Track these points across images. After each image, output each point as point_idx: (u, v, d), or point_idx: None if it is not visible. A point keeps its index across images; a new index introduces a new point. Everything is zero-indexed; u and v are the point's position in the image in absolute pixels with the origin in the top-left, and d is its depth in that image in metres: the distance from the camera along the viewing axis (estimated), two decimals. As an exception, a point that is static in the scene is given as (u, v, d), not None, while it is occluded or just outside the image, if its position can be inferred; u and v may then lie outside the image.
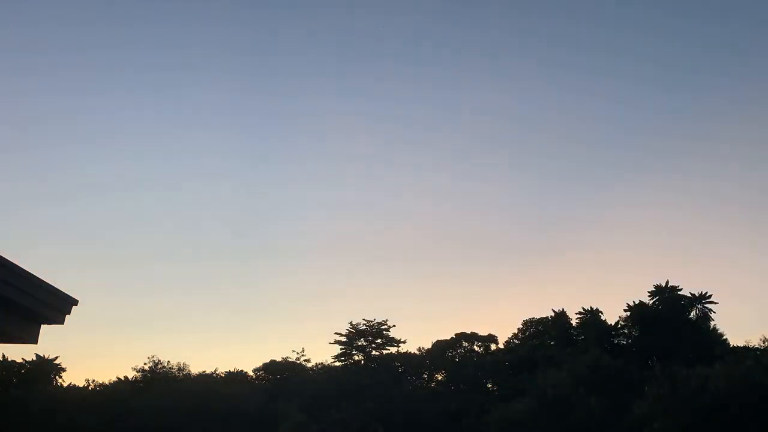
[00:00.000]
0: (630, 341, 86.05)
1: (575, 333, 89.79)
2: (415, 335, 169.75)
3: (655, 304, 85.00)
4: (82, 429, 52.69)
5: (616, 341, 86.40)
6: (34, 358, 74.81)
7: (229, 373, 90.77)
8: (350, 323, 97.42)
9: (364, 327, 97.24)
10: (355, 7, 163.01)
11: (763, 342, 70.23)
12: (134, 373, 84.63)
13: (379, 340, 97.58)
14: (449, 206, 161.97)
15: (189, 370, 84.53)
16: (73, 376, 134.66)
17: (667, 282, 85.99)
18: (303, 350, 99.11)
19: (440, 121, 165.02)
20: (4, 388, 61.11)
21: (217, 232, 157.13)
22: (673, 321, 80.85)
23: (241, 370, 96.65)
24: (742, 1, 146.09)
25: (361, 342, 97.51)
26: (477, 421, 63.17)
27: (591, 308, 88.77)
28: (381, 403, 63.74)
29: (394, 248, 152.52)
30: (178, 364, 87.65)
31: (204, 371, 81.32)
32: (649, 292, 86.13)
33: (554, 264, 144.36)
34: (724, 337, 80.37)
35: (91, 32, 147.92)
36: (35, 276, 6.64)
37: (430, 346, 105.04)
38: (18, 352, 75.39)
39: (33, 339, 7.23)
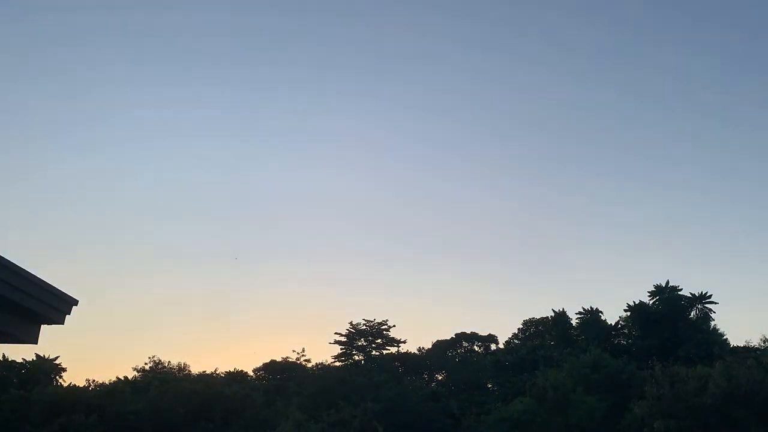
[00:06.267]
0: (630, 341, 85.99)
1: (575, 333, 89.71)
2: (415, 335, 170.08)
3: (655, 304, 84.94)
4: (82, 429, 52.60)
5: (616, 341, 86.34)
6: (34, 358, 74.77)
7: (229, 373, 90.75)
8: (350, 323, 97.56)
9: (364, 327, 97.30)
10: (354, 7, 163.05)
11: (763, 342, 70.31)
12: (134, 373, 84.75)
13: (379, 340, 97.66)
14: (449, 206, 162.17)
15: (189, 370, 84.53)
16: (73, 376, 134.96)
17: (667, 282, 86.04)
18: (303, 350, 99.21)
19: (440, 121, 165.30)
20: (4, 388, 60.96)
21: (218, 232, 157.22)
22: (673, 321, 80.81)
23: (241, 370, 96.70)
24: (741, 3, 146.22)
25: (361, 342, 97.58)
26: (477, 421, 63.13)
27: (591, 308, 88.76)
28: (381, 403, 63.65)
29: (394, 248, 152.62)
30: (179, 364, 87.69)
31: (204, 371, 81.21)
32: (649, 292, 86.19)
33: (554, 264, 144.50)
34: (724, 337, 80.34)
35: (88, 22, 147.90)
36: (35, 276, 6.64)
37: (430, 346, 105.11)
38: (18, 352, 75.29)
39: (33, 339, 7.23)
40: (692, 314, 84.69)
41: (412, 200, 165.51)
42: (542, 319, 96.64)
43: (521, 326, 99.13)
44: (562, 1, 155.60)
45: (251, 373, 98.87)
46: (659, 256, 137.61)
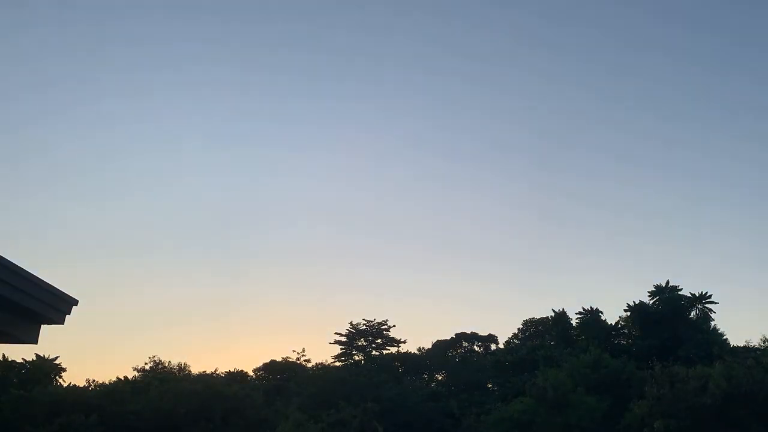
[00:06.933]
0: (630, 341, 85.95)
1: (575, 333, 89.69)
2: (415, 335, 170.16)
3: (655, 304, 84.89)
4: (82, 429, 52.56)
5: (616, 341, 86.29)
6: (34, 358, 74.67)
7: (229, 373, 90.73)
8: (350, 323, 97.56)
9: (364, 327, 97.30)
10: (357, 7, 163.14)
11: (763, 342, 70.17)
12: (134, 373, 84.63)
13: (379, 340, 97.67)
14: (449, 206, 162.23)
15: (189, 370, 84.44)
16: (73, 376, 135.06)
17: (667, 282, 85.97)
18: (303, 350, 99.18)
19: (439, 122, 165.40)
20: (4, 388, 60.87)
21: (218, 232, 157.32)
22: (673, 321, 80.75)
23: (241, 370, 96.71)
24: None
25: (361, 342, 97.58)
26: (477, 421, 63.09)
27: (591, 308, 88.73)
28: (381, 403, 63.63)
29: (394, 248, 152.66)
30: (179, 364, 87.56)
31: (204, 371, 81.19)
32: (649, 292, 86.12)
33: (554, 264, 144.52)
34: (724, 337, 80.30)
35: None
36: (35, 276, 6.65)
37: (430, 346, 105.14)
38: (18, 352, 75.18)
39: (33, 339, 7.24)
40: (692, 314, 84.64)
41: (411, 201, 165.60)
42: (542, 319, 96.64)
43: (521, 326, 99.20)
44: (559, 7, 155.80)
45: (251, 373, 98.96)
46: (659, 256, 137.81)
